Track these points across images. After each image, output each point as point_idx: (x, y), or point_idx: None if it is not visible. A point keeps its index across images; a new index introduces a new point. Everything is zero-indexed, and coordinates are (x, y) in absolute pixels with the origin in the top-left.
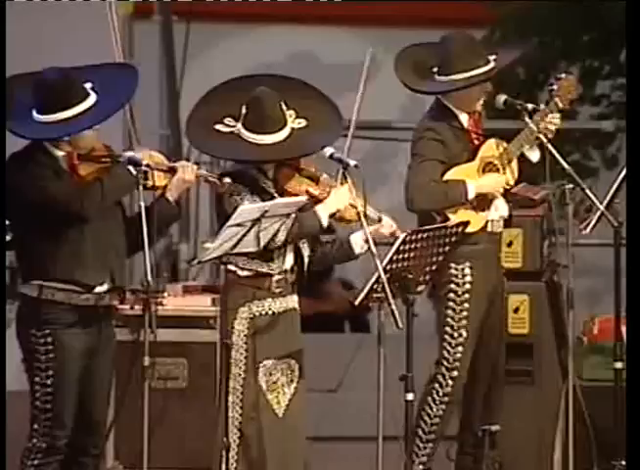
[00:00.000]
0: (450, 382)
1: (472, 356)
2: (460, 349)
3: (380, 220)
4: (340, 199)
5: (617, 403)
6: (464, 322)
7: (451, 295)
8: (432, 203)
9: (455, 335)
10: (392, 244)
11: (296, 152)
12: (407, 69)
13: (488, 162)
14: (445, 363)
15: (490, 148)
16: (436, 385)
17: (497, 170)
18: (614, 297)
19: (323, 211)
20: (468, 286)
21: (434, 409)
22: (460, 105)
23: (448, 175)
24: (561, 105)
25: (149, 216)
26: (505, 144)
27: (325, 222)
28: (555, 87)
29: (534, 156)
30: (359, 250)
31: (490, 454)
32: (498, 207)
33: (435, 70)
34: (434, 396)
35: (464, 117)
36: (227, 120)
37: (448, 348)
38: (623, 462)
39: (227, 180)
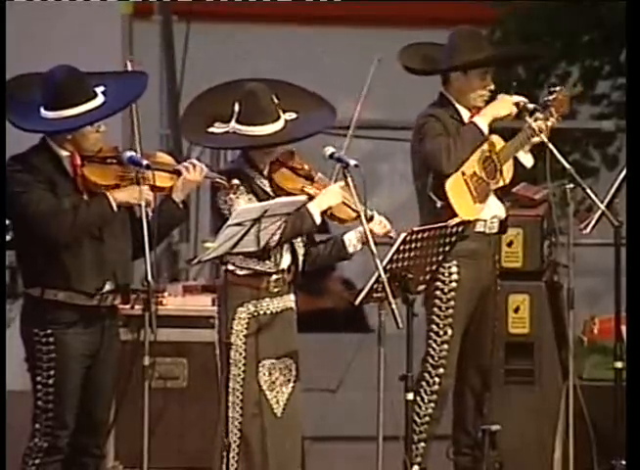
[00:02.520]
0: (437, 379)
1: (461, 356)
2: (445, 346)
3: (372, 218)
4: (331, 196)
5: (617, 403)
6: (449, 320)
7: (437, 293)
8: (458, 158)
9: (440, 333)
10: (393, 244)
11: (296, 134)
12: (412, 57)
13: (488, 156)
14: (431, 361)
15: (488, 143)
16: (424, 383)
17: (495, 167)
18: (614, 297)
19: (315, 208)
20: (454, 284)
21: (423, 408)
22: (461, 98)
23: None
24: (555, 114)
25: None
26: (502, 143)
27: (318, 219)
28: (550, 98)
29: (528, 161)
30: (352, 249)
31: (490, 454)
32: (490, 206)
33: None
34: (422, 394)
35: (465, 112)
36: (217, 124)
37: (434, 345)
38: (623, 462)
39: (236, 182)
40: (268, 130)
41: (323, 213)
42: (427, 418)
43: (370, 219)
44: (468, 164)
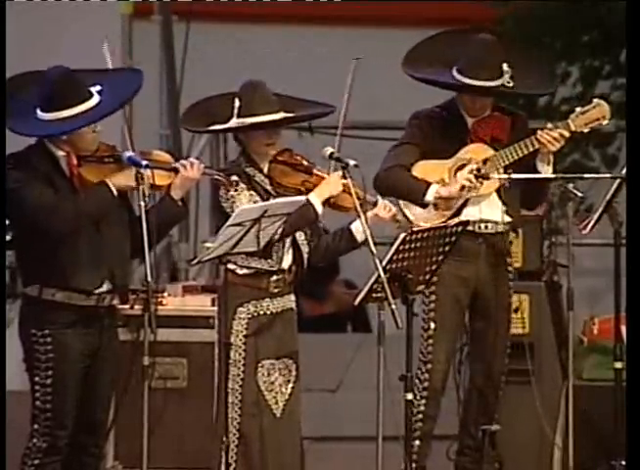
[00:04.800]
0: (427, 376)
1: (469, 358)
2: (430, 341)
3: (375, 204)
4: (331, 185)
5: (617, 403)
6: (432, 314)
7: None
8: (392, 189)
9: (425, 327)
10: (392, 244)
11: (296, 116)
12: (418, 62)
13: (464, 164)
14: (421, 357)
15: (472, 151)
16: (417, 381)
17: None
18: (614, 297)
19: (316, 198)
20: (434, 278)
21: (416, 405)
22: (467, 110)
23: (417, 167)
24: (573, 127)
25: (149, 216)
26: (491, 151)
27: (320, 209)
28: (578, 110)
29: (547, 170)
30: (360, 237)
31: (490, 454)
32: (482, 209)
33: (455, 67)
34: (415, 391)
35: (469, 119)
36: (216, 126)
37: (422, 340)
38: (623, 462)
39: (234, 178)
40: (270, 118)
41: (325, 204)
42: (420, 416)
43: (374, 204)
44: (433, 172)
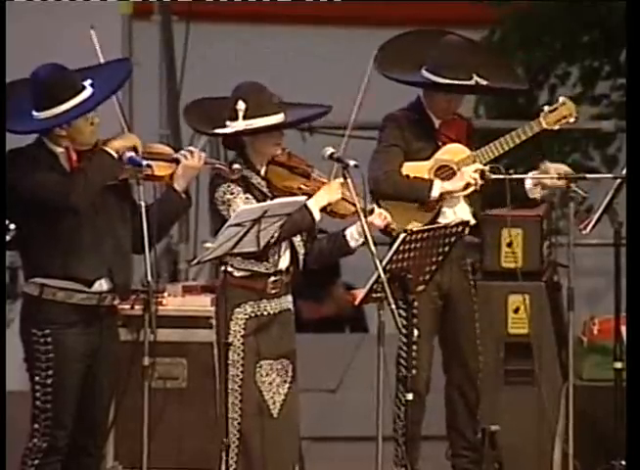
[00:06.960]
0: (410, 380)
1: (444, 358)
2: (414, 347)
3: (372, 212)
4: (330, 192)
5: (617, 403)
6: (414, 320)
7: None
8: (396, 192)
9: (409, 333)
10: (392, 244)
11: (299, 118)
12: (391, 60)
13: (443, 164)
14: (403, 362)
15: (449, 151)
16: (400, 385)
17: (453, 174)
18: (614, 297)
19: (314, 205)
20: None
21: (402, 409)
22: (434, 110)
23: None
24: (544, 125)
25: (150, 216)
26: (468, 152)
27: (317, 216)
28: (547, 108)
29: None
30: (354, 243)
31: (490, 454)
32: (457, 212)
33: (425, 67)
34: (399, 395)
35: (436, 119)
36: (217, 129)
37: (404, 347)
38: (623, 462)
39: (237, 166)
40: (275, 120)
41: (322, 210)
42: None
43: (370, 212)
44: (414, 173)
